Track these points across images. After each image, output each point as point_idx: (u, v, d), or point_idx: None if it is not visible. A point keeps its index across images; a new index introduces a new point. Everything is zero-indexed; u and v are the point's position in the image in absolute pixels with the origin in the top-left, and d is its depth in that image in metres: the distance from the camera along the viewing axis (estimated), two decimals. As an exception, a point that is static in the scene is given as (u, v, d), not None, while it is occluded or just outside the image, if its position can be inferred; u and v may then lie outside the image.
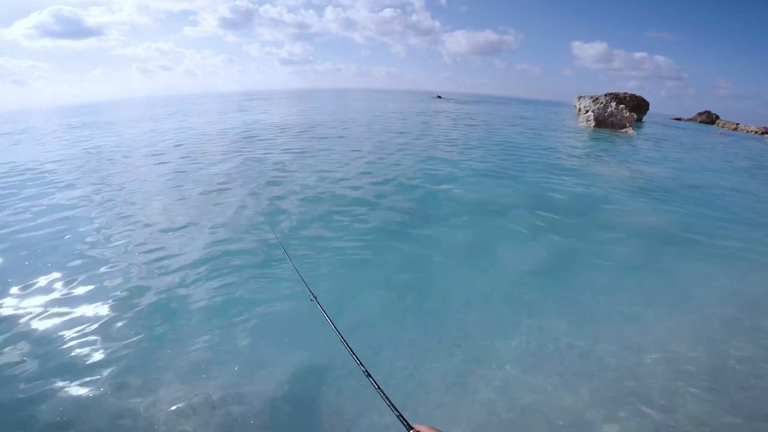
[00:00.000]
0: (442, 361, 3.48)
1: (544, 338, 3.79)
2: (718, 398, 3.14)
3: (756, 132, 38.15)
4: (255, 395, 3.08)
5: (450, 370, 3.38)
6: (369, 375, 1.44)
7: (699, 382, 3.29)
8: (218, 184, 8.55)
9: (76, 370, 3.30)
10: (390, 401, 1.26)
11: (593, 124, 24.86)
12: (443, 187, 8.63)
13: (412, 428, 1.09)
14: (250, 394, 3.09)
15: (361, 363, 1.51)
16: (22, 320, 3.89)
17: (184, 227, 6.15)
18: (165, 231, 6.02)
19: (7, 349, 3.51)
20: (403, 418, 1.14)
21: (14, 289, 4.42)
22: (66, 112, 43.08)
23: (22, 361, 3.38)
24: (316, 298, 2.30)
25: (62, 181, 9.07)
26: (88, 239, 5.73)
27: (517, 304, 4.36)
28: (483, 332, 3.87)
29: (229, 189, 8.17)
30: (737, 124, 43.29)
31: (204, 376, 3.26)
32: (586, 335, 3.84)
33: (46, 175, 9.77)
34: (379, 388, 1.36)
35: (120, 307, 4.12)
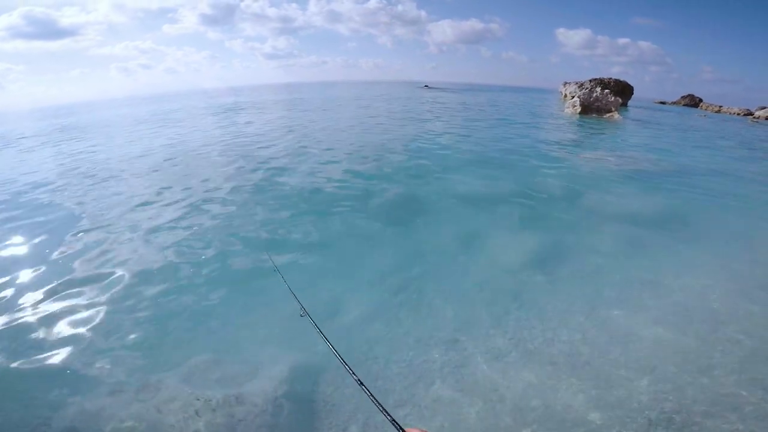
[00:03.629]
0: (437, 355, 3.55)
1: (535, 329, 3.88)
2: (708, 385, 3.23)
3: (738, 114, 38.87)
4: (256, 396, 3.12)
5: (446, 363, 3.46)
6: (361, 383, 1.47)
7: (690, 370, 3.38)
8: (208, 190, 8.46)
9: (78, 374, 3.32)
10: (383, 407, 1.28)
11: (579, 110, 25.04)
12: (432, 179, 8.68)
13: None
14: (250, 394, 3.13)
15: (353, 372, 1.53)
16: (27, 325, 3.87)
17: (180, 230, 6.11)
18: (158, 236, 5.97)
19: (6, 355, 3.51)
20: (396, 423, 1.18)
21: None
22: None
23: (22, 366, 3.38)
24: (307, 312, 2.23)
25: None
26: (80, 244, 5.67)
27: (509, 295, 4.45)
28: (476, 325, 3.96)
29: (222, 190, 8.11)
30: (720, 106, 43.97)
31: (204, 378, 3.30)
32: (575, 324, 3.95)
33: None
34: (371, 395, 1.40)
35: (120, 311, 4.11)
